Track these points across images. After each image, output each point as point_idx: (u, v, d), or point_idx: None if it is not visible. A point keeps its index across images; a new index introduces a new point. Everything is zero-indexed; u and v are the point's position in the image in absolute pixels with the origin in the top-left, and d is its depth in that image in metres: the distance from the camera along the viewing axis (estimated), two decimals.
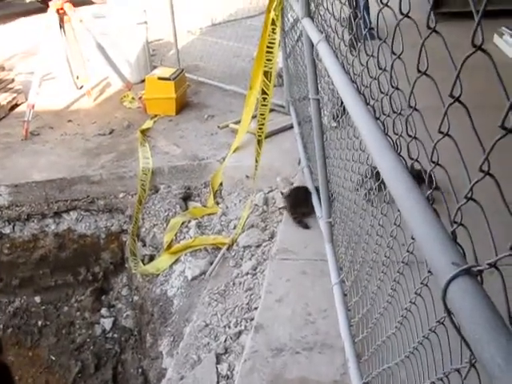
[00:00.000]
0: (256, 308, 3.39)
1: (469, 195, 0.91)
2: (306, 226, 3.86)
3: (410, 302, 1.63)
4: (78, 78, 7.34)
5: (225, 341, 3.37)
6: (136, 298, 5.23)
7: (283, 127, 5.51)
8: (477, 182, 0.84)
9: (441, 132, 0.99)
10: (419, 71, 1.05)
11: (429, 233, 1.03)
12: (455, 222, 1.01)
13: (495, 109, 0.85)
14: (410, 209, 1.13)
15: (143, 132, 6.02)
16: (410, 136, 1.22)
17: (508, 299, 0.83)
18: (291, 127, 5.39)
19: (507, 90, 0.79)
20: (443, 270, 0.93)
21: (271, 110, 5.02)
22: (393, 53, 1.23)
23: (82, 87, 7.35)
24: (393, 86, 1.28)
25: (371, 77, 1.58)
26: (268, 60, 4.22)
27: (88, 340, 5.49)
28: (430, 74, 1.09)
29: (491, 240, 0.86)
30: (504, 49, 6.43)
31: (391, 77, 1.28)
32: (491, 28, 6.58)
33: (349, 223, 2.81)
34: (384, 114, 1.51)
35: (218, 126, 5.99)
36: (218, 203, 5.07)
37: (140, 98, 6.73)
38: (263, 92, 4.27)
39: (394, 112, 1.34)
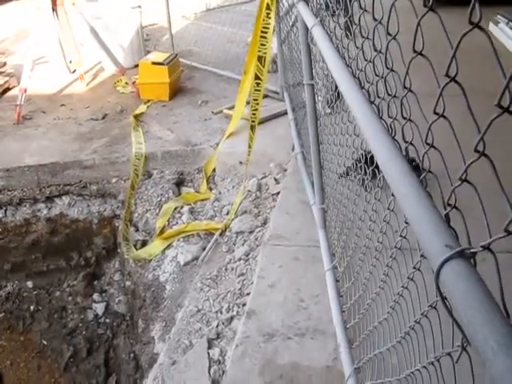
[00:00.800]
0: (248, 294, 3.39)
1: (463, 177, 0.89)
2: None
3: (403, 286, 1.62)
4: (71, 62, 7.26)
5: (217, 326, 3.37)
6: (128, 283, 5.22)
7: (277, 113, 5.49)
8: (472, 162, 0.83)
9: (436, 113, 0.98)
10: (415, 51, 1.03)
11: (422, 215, 1.02)
12: (449, 205, 1.00)
13: (487, 94, 0.84)
14: (405, 192, 1.12)
15: (136, 117, 5.99)
16: (404, 118, 1.21)
17: (501, 282, 0.82)
18: (285, 113, 5.36)
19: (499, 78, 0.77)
20: (436, 252, 0.92)
21: (265, 96, 4.99)
22: (388, 33, 1.22)
23: (74, 71, 7.27)
24: (387, 68, 1.26)
25: (366, 59, 1.56)
26: (262, 45, 4.19)
27: (80, 325, 5.48)
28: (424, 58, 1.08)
29: (485, 222, 0.85)
30: (499, 37, 6.40)
31: (386, 58, 1.27)
32: (487, 16, 6.50)
33: (342, 209, 2.80)
34: (379, 97, 1.49)
35: (212, 112, 5.96)
36: (211, 189, 5.06)
37: (133, 82, 6.69)
38: (257, 77, 4.24)
39: (389, 94, 1.32)
